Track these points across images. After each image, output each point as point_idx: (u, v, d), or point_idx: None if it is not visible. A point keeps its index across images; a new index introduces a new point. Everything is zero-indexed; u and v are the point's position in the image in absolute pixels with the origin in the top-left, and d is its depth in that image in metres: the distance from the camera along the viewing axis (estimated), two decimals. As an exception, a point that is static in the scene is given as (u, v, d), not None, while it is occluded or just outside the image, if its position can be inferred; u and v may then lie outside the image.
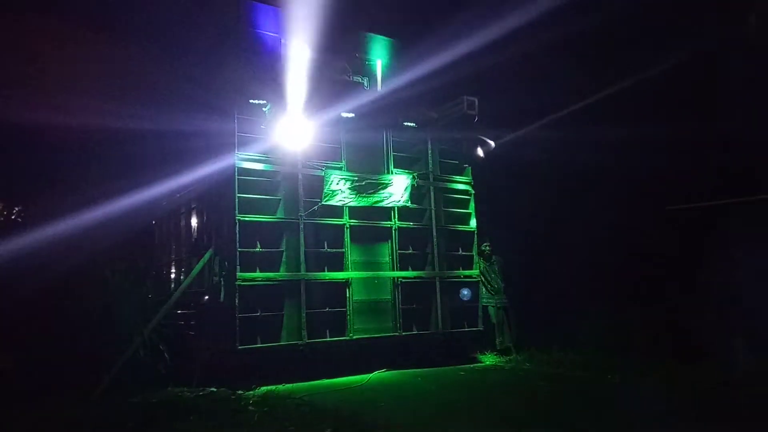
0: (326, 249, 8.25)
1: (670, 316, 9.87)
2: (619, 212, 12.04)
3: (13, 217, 9.72)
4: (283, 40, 8.54)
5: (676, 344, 8.84)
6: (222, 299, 7.48)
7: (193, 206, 9.07)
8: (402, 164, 9.14)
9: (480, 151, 9.17)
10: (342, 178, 8.37)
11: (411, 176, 8.98)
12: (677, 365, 7.63)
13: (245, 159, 7.72)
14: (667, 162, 10.56)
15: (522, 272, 10.47)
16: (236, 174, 7.59)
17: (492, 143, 9.24)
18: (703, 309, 9.59)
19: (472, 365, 8.84)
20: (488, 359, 9.23)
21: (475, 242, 9.62)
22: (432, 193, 9.28)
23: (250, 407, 6.06)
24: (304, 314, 7.74)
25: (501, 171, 10.11)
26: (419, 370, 8.17)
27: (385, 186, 8.73)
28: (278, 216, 7.94)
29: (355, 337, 8.12)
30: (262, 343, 7.39)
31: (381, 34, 9.61)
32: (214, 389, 6.85)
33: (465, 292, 9.03)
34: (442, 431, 5.10)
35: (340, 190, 8.32)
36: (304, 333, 7.68)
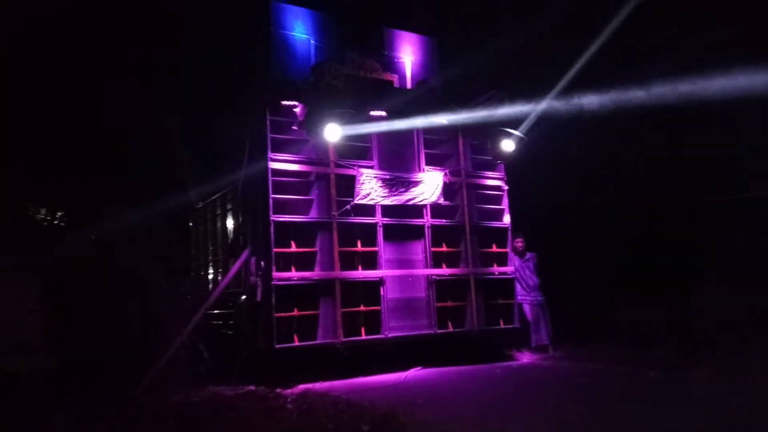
0: (359, 248, 8.28)
1: (708, 305, 9.59)
2: (650, 203, 11.81)
3: (55, 222, 10.02)
4: (313, 41, 8.62)
5: (715, 335, 8.58)
6: (259, 299, 7.57)
7: (228, 207, 9.22)
8: (433, 161, 9.10)
9: (512, 146, 9.05)
10: (373, 177, 8.39)
11: (442, 173, 8.94)
12: (719, 356, 7.41)
13: (278, 160, 7.80)
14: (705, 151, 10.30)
15: (556, 267, 10.32)
16: (270, 175, 7.68)
17: (524, 137, 9.11)
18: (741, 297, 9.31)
19: (508, 363, 8.75)
20: (525, 357, 9.12)
21: (509, 238, 9.52)
22: (464, 190, 9.22)
23: (288, 405, 6.12)
24: (339, 313, 7.78)
25: (533, 165, 9.98)
26: (455, 367, 8.13)
27: (417, 184, 8.73)
28: (312, 216, 8.00)
29: (390, 335, 8.13)
30: (299, 342, 7.47)
31: (410, 31, 9.60)
32: (253, 387, 6.94)
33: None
34: (479, 429, 5.05)
35: (372, 189, 8.35)
36: (340, 331, 7.73)
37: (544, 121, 10.07)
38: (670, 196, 11.65)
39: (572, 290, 10.77)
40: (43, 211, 9.49)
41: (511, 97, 9.35)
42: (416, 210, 8.77)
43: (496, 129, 9.19)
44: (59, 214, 9.47)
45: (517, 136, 9.13)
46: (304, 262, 7.84)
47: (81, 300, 8.73)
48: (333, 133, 7.86)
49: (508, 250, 9.49)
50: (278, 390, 6.77)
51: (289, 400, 6.34)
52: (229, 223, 9.09)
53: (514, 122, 9.29)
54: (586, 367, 7.99)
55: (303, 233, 7.90)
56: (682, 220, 11.50)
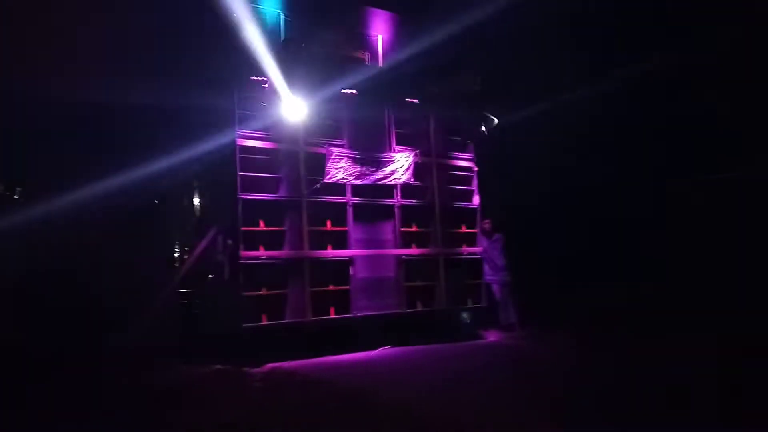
0: (329, 227, 8.24)
1: (674, 290, 9.88)
2: (618, 188, 12.04)
3: (15, 197, 9.65)
4: (283, 16, 8.44)
5: (682, 319, 8.86)
6: (226, 278, 7.49)
7: (195, 185, 9.04)
8: (404, 141, 9.07)
9: (482, 128, 9.08)
10: (344, 156, 8.33)
11: (413, 153, 8.93)
12: (683, 339, 7.68)
13: (246, 137, 7.67)
14: (667, 136, 10.52)
15: (524, 250, 10.47)
16: (238, 152, 7.54)
17: (495, 119, 9.16)
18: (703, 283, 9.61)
19: (475, 341, 8.89)
20: (492, 335, 9.27)
21: (478, 219, 9.60)
22: (435, 170, 9.23)
23: (256, 384, 6.11)
24: (308, 292, 7.75)
25: (503, 147, 10.04)
26: (423, 346, 8.21)
27: (388, 163, 8.70)
28: (280, 194, 7.91)
29: (359, 314, 8.15)
30: (267, 321, 7.43)
31: (382, 8, 9.47)
32: (221, 366, 6.89)
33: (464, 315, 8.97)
34: (444, 406, 5.14)
35: (343, 168, 8.29)
36: (309, 311, 7.71)
37: (514, 104, 10.13)
38: (637, 178, 11.88)
39: (541, 272, 10.94)
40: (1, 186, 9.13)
41: (484, 78, 9.36)
42: (386, 190, 8.76)
43: (467, 110, 9.20)
44: (18, 189, 9.13)
45: (488, 117, 9.17)
46: (273, 240, 7.77)
47: (40, 281, 8.49)
48: (302, 110, 7.74)
49: (476, 230, 9.57)
50: (246, 369, 6.74)
51: (257, 378, 6.34)
52: (196, 200, 8.93)
53: (486, 103, 9.33)
54: (548, 346, 8.19)
55: (271, 212, 7.80)
56: (649, 204, 11.76)
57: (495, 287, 9.62)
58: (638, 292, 10.33)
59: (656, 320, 9.07)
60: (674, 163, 11.41)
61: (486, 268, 9.58)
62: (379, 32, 9.37)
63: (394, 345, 8.14)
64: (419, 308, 8.76)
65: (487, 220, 9.76)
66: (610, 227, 11.98)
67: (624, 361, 6.86)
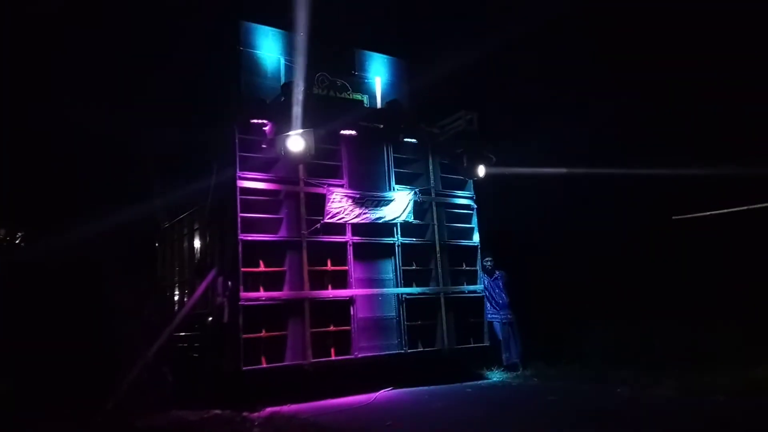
0: (329, 267, 8.22)
1: (680, 325, 9.76)
2: (622, 223, 12.04)
3: (17, 241, 9.72)
4: (283, 60, 8.64)
5: (685, 354, 8.72)
6: (226, 320, 7.43)
7: (195, 227, 9.08)
8: (403, 180, 9.13)
9: (481, 166, 9.16)
10: (344, 196, 8.37)
11: (413, 192, 8.98)
12: (687, 375, 7.52)
13: (247, 178, 7.73)
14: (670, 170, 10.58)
15: (527, 287, 10.41)
16: (238, 194, 7.60)
17: (493, 157, 9.24)
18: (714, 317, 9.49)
19: (479, 382, 8.74)
20: (495, 375, 9.12)
21: (479, 257, 9.58)
22: (434, 209, 9.26)
23: (255, 429, 5.99)
24: (308, 333, 7.68)
25: (502, 184, 10.10)
26: (426, 387, 8.07)
27: (387, 203, 8.73)
28: (281, 235, 7.92)
29: (360, 355, 8.05)
30: (266, 364, 7.33)
31: (379, 52, 9.70)
32: (219, 411, 6.77)
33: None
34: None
35: (342, 208, 8.32)
36: (309, 352, 7.62)
37: (514, 143, 10.24)
38: (639, 215, 11.89)
39: (542, 310, 10.85)
40: (2, 231, 9.20)
41: (481, 118, 9.50)
42: (386, 228, 8.77)
43: (465, 149, 9.29)
44: (19, 234, 9.18)
45: (487, 156, 9.25)
46: (273, 281, 7.74)
47: (40, 321, 8.46)
48: (302, 151, 7.83)
49: (477, 268, 9.53)
50: (245, 413, 6.61)
51: (255, 423, 6.21)
52: (197, 243, 8.94)
53: (484, 142, 9.43)
54: (555, 385, 8.02)
55: (272, 252, 7.80)
56: (651, 240, 11.74)
57: (497, 326, 9.52)
58: (641, 329, 10.21)
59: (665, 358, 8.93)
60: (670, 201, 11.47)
61: (488, 306, 9.51)
62: (377, 74, 9.57)
63: (395, 386, 8.01)
64: (420, 348, 8.65)
65: (487, 258, 9.74)
66: (618, 261, 11.94)
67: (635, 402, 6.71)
